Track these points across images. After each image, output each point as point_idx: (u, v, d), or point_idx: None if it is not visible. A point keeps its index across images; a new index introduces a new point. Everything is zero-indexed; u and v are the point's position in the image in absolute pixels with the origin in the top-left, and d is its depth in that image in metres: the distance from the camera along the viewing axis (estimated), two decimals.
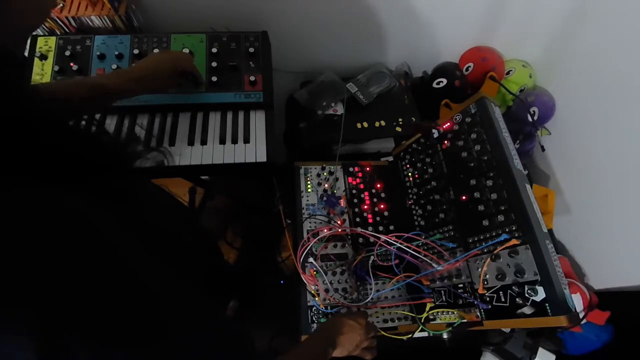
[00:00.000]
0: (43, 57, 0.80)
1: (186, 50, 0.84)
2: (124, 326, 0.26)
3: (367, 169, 0.93)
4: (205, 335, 0.32)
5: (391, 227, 0.86)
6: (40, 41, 0.82)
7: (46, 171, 0.28)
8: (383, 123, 1.02)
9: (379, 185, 0.91)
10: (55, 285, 0.24)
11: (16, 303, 0.23)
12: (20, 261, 0.23)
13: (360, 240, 0.82)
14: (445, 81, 1.09)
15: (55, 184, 0.28)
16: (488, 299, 0.63)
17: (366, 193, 0.89)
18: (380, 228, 0.85)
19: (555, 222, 1.04)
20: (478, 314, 0.64)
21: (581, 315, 0.86)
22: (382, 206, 0.88)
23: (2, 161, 0.26)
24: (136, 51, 0.83)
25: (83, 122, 0.38)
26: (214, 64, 0.84)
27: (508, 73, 1.12)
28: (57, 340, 0.23)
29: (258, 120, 0.84)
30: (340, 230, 0.81)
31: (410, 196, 0.86)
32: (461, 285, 0.68)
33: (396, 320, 0.76)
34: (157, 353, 0.28)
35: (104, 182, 0.34)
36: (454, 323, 0.68)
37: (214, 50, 0.85)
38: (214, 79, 0.82)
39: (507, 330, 0.90)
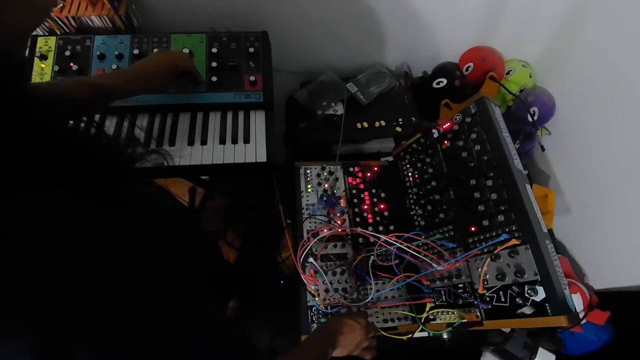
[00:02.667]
0: (43, 57, 0.80)
1: (186, 50, 0.84)
2: (124, 326, 0.26)
3: (367, 168, 0.93)
4: (204, 336, 0.32)
5: (391, 227, 0.86)
6: (40, 41, 0.82)
7: (45, 174, 0.28)
8: (383, 123, 1.02)
9: (379, 185, 0.91)
10: (55, 285, 0.24)
11: (15, 303, 0.23)
12: (20, 261, 0.23)
13: (360, 240, 0.82)
14: (445, 81, 1.09)
15: (55, 186, 0.28)
16: (488, 299, 0.63)
17: (366, 193, 0.89)
18: (380, 228, 0.85)
19: (555, 222, 1.04)
20: (478, 314, 0.64)
21: (581, 315, 0.85)
22: (382, 206, 0.88)
23: (1, 164, 0.26)
24: (136, 51, 0.83)
25: (82, 124, 0.38)
26: (214, 64, 0.84)
27: (508, 73, 1.12)
28: (57, 340, 0.23)
29: (258, 120, 0.84)
30: (340, 230, 0.81)
31: (410, 196, 0.86)
32: (461, 285, 0.68)
33: (396, 320, 0.76)
34: (156, 353, 0.28)
35: (104, 183, 0.34)
36: (454, 323, 0.68)
37: (214, 50, 0.85)
38: (214, 79, 0.82)
39: (507, 330, 0.90)
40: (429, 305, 0.73)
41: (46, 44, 0.82)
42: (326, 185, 0.87)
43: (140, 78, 0.67)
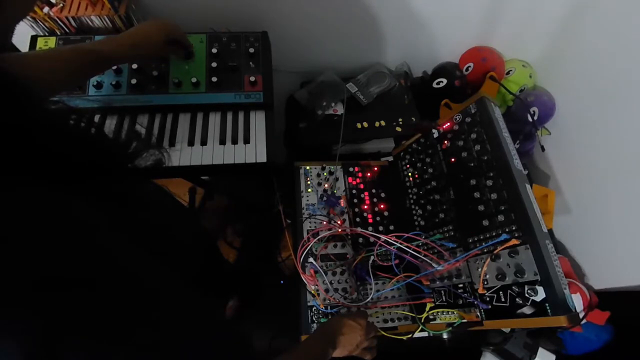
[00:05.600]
0: None
1: None
2: (121, 326, 0.26)
3: (367, 168, 0.93)
4: (203, 336, 0.32)
5: (391, 227, 0.86)
6: (40, 41, 0.82)
7: (46, 172, 0.28)
8: (383, 123, 1.02)
9: (379, 185, 0.91)
10: (52, 286, 0.24)
11: (11, 304, 0.22)
12: (18, 261, 0.23)
13: (360, 240, 0.82)
14: (445, 81, 1.09)
15: (56, 185, 0.28)
16: (488, 299, 0.63)
17: (366, 193, 0.89)
18: (380, 228, 0.85)
19: (555, 222, 1.04)
20: (478, 314, 0.64)
21: (581, 315, 0.86)
22: (382, 206, 0.88)
23: (2, 161, 0.26)
24: None
25: (82, 123, 0.38)
26: (214, 65, 0.84)
27: (508, 73, 1.12)
28: (51, 340, 0.23)
29: (258, 121, 0.84)
30: (340, 230, 0.81)
31: (410, 196, 0.86)
32: (461, 285, 0.68)
33: (396, 320, 0.76)
34: (155, 354, 0.28)
35: (105, 183, 0.34)
36: (454, 323, 0.68)
37: (214, 50, 0.85)
38: (214, 79, 0.82)
39: (507, 330, 0.90)
40: (429, 305, 0.73)
41: (46, 44, 0.82)
42: (326, 185, 0.87)
43: (132, 44, 0.67)
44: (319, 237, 0.79)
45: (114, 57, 0.65)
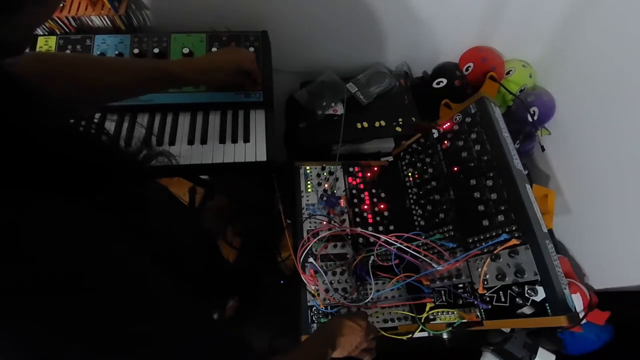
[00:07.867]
0: None
1: (186, 50, 0.84)
2: (121, 327, 0.26)
3: (367, 168, 0.93)
4: (202, 337, 0.32)
5: (391, 227, 0.86)
6: (41, 41, 0.82)
7: (54, 179, 0.28)
8: (383, 123, 1.02)
9: (379, 185, 0.91)
10: (52, 284, 0.24)
11: (8, 304, 0.22)
12: (21, 263, 0.23)
13: (360, 240, 0.82)
14: (445, 81, 1.09)
15: (57, 187, 0.28)
16: (488, 299, 0.63)
17: (366, 193, 0.89)
18: (380, 228, 0.85)
19: (555, 222, 1.04)
20: (478, 314, 0.64)
21: (581, 315, 0.86)
22: (382, 206, 0.88)
23: (8, 165, 0.26)
24: (136, 50, 0.83)
25: (92, 129, 0.38)
26: None
27: (508, 73, 1.12)
28: (48, 342, 0.23)
29: (258, 120, 0.84)
30: (340, 230, 0.81)
31: (410, 196, 0.86)
32: (461, 285, 0.68)
33: (396, 320, 0.76)
34: (154, 354, 0.28)
35: (111, 189, 0.34)
36: (454, 323, 0.68)
37: (214, 50, 0.85)
38: None
39: (507, 330, 0.90)
40: (429, 305, 0.73)
41: (46, 43, 0.82)
42: (326, 185, 0.87)
43: (206, 71, 0.68)
44: (319, 237, 0.79)
45: (180, 77, 0.65)
